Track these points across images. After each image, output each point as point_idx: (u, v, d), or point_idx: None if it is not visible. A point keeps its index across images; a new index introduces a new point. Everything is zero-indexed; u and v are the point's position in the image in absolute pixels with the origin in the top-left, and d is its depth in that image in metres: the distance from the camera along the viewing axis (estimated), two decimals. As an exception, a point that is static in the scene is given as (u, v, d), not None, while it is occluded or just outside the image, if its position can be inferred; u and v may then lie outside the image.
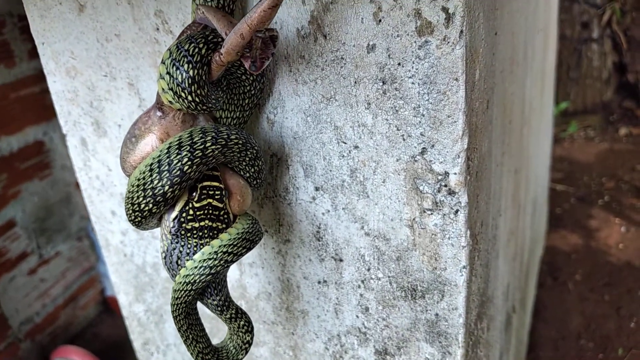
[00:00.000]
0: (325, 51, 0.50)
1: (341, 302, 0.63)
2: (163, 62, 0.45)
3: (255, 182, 0.53)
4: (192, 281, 0.48)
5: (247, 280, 0.69)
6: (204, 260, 0.47)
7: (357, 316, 0.62)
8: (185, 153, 0.45)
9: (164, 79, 0.45)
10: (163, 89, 0.45)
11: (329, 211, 0.58)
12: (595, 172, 2.57)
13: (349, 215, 0.57)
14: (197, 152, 0.45)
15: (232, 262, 0.49)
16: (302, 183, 0.58)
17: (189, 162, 0.45)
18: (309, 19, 0.49)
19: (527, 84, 0.96)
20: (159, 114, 0.48)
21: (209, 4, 0.47)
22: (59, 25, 0.64)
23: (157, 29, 0.58)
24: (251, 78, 0.52)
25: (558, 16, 1.96)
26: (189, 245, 0.48)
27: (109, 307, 1.81)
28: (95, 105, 0.67)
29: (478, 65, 0.50)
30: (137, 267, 0.77)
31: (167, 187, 0.45)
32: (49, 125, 1.57)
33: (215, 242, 0.48)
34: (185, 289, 0.48)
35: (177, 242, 0.48)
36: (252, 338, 0.55)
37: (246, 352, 0.55)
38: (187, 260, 0.48)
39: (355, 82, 0.50)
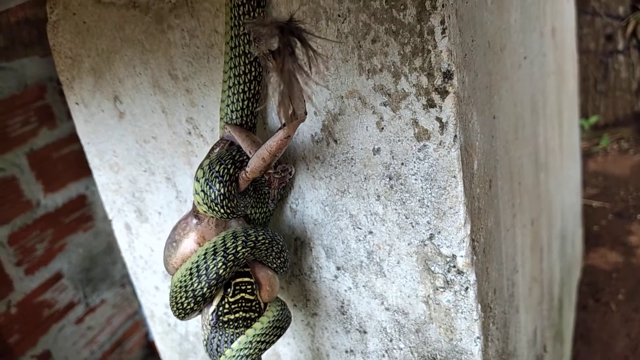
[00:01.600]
0: (337, 153, 0.56)
1: (368, 368, 0.68)
2: (197, 180, 0.52)
3: (282, 271, 0.59)
4: (230, 368, 0.54)
5: (280, 348, 0.74)
6: (241, 349, 0.53)
7: (384, 381, 0.67)
8: (219, 258, 0.51)
9: (198, 194, 0.51)
10: (198, 202, 0.52)
11: (350, 288, 0.63)
12: (631, 185, 2.52)
13: (369, 292, 0.62)
14: (229, 256, 0.52)
15: (265, 349, 0.54)
16: (324, 263, 0.64)
17: (223, 266, 0.51)
18: (321, 127, 0.55)
19: (540, 131, 1.00)
20: (195, 221, 0.54)
21: (234, 122, 0.54)
22: (102, 129, 0.72)
23: (189, 132, 0.65)
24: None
25: (577, 33, 1.95)
26: (227, 335, 0.54)
27: (153, 350, 1.89)
28: (137, 196, 0.75)
29: (476, 156, 0.55)
30: (180, 336, 0.84)
31: (205, 289, 0.52)
32: (89, 179, 1.67)
33: (250, 332, 0.54)
34: (225, 374, 0.54)
35: (216, 332, 0.54)
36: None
37: None
38: (226, 348, 0.54)
39: (365, 178, 0.56)
